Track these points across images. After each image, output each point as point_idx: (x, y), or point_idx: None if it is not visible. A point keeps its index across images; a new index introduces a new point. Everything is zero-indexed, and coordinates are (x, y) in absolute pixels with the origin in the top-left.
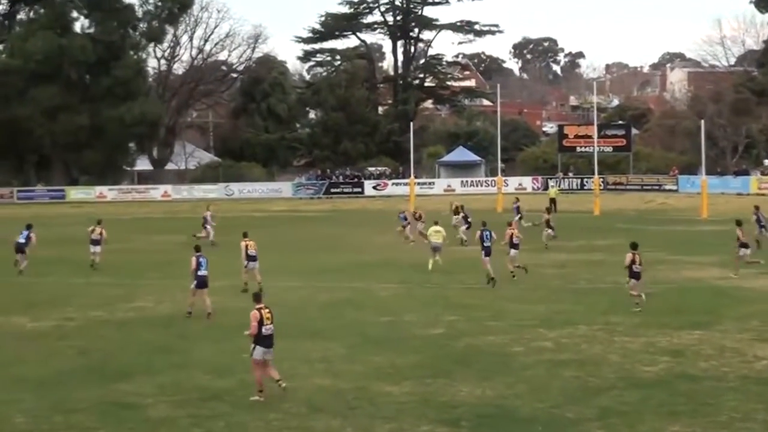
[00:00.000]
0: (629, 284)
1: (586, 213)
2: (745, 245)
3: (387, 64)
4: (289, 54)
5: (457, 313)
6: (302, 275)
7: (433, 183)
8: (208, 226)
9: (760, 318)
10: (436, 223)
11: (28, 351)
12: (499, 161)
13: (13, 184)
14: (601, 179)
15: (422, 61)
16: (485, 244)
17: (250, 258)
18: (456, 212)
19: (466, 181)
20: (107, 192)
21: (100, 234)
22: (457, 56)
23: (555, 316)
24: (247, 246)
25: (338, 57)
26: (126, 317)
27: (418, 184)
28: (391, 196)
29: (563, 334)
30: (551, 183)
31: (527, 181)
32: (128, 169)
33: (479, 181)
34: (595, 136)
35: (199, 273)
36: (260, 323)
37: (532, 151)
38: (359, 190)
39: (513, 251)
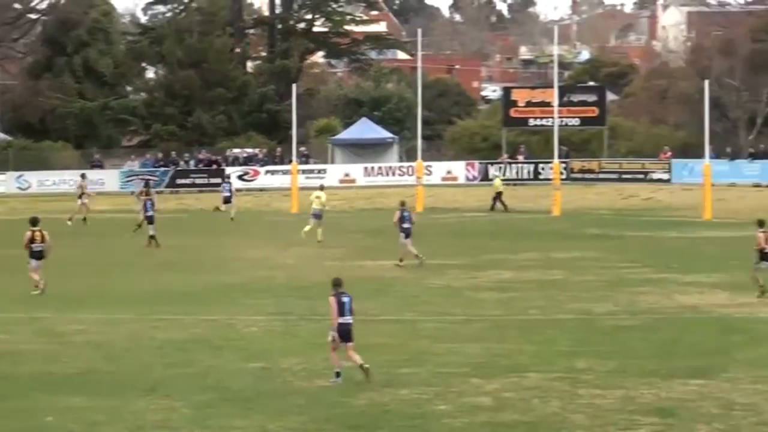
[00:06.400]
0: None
1: (540, 213)
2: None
3: (259, 0)
4: None
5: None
6: (133, 303)
7: (325, 170)
8: None
9: None
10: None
11: None
12: (420, 139)
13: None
14: (563, 165)
15: None
16: (404, 226)
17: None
18: None
19: (372, 168)
20: None
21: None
22: None
23: (494, 359)
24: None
25: None
26: None
27: (304, 172)
28: (265, 189)
29: (506, 386)
30: (493, 171)
31: (459, 168)
32: None
33: (391, 167)
34: (556, 103)
35: None
36: None
37: (466, 124)
38: (219, 180)
39: None
